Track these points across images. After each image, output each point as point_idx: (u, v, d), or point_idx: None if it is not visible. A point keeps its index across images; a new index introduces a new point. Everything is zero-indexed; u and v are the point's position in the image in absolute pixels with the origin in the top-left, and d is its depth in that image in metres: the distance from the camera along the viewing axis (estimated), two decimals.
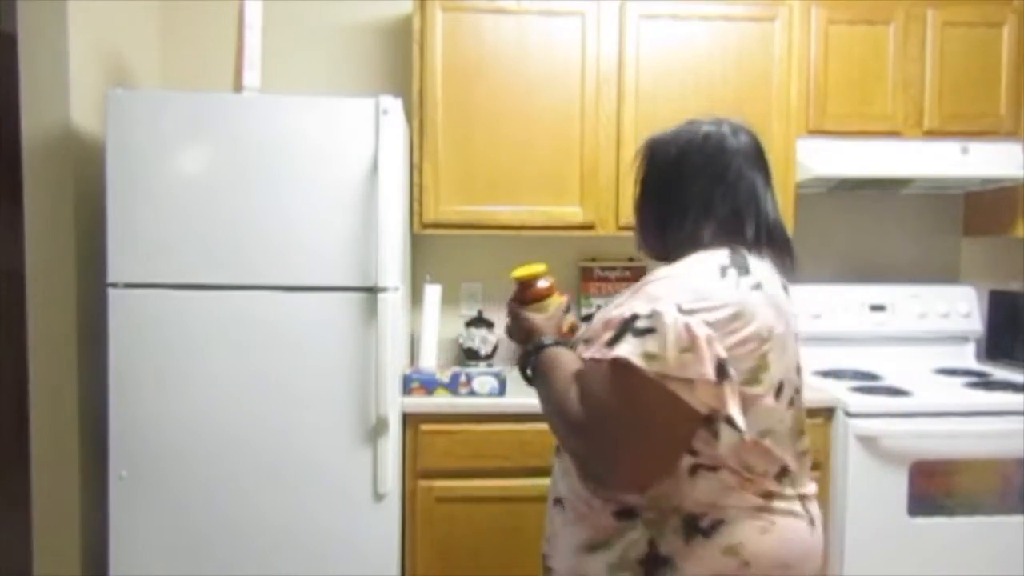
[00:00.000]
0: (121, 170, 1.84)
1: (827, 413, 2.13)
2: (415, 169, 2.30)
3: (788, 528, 1.04)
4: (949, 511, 2.11)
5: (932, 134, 2.39)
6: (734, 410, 0.96)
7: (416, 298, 2.50)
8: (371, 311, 1.89)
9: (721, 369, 0.95)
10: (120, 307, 1.86)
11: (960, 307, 2.62)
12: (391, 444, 1.93)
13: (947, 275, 2.77)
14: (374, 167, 1.87)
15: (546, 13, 2.28)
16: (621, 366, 0.96)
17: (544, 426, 1.14)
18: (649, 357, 0.94)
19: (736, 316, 0.98)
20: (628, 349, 0.96)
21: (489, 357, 2.47)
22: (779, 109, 2.34)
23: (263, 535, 1.90)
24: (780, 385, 1.03)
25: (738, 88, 2.32)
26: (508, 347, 2.50)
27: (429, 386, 2.12)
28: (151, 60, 2.46)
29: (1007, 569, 2.10)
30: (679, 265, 1.06)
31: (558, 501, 1.15)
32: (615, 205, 2.33)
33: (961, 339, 2.65)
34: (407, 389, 2.11)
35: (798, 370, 1.10)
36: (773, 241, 1.12)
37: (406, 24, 2.52)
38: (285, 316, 1.89)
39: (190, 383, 1.88)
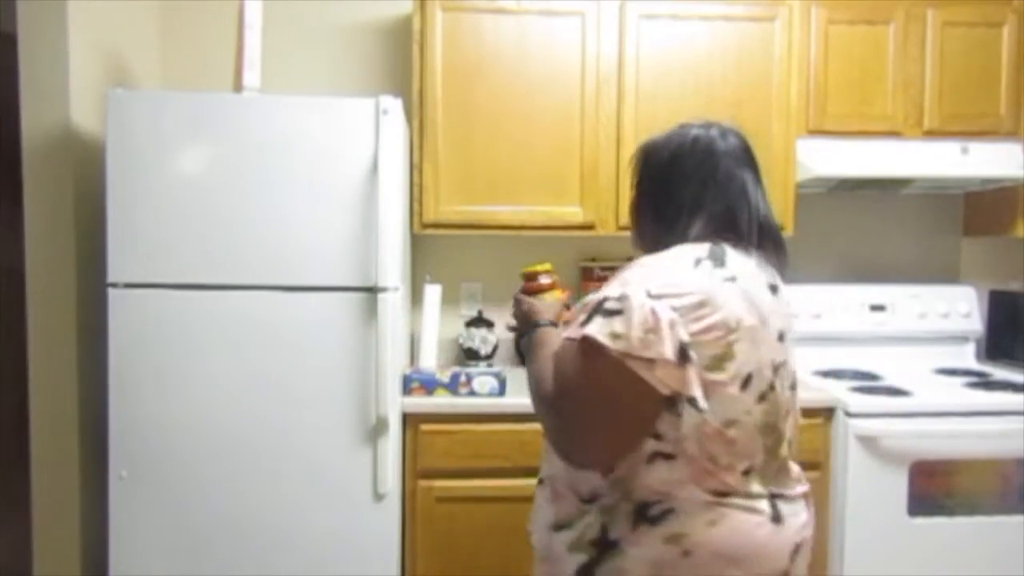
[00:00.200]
0: (121, 170, 1.85)
1: (827, 413, 2.13)
2: (415, 169, 2.30)
3: (740, 523, 1.05)
4: (949, 511, 2.11)
5: (932, 134, 2.39)
6: (696, 391, 1.00)
7: (416, 298, 2.50)
8: (371, 311, 1.89)
9: (683, 352, 1.00)
10: (120, 307, 1.86)
11: (960, 307, 2.62)
12: (391, 444, 1.93)
13: (947, 275, 2.77)
14: (374, 167, 1.87)
15: (546, 13, 2.28)
16: (588, 344, 1.02)
17: None
18: (614, 336, 1.00)
19: (702, 304, 1.02)
20: (595, 328, 1.01)
21: (489, 357, 2.47)
22: (779, 109, 2.34)
23: (263, 535, 1.91)
24: (748, 377, 1.05)
25: (738, 88, 2.33)
26: (508, 347, 2.50)
27: (429, 386, 2.12)
28: (151, 60, 2.46)
29: (1007, 569, 2.10)
30: (658, 255, 1.11)
31: (542, 481, 1.21)
32: (615, 205, 2.33)
33: (961, 339, 2.65)
34: (407, 389, 2.11)
35: (776, 368, 1.10)
36: (764, 237, 1.16)
37: (406, 24, 2.52)
38: (285, 316, 1.89)
39: (190, 383, 1.88)
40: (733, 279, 1.07)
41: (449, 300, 2.54)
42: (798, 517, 1.11)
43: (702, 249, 1.09)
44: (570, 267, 2.63)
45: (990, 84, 2.40)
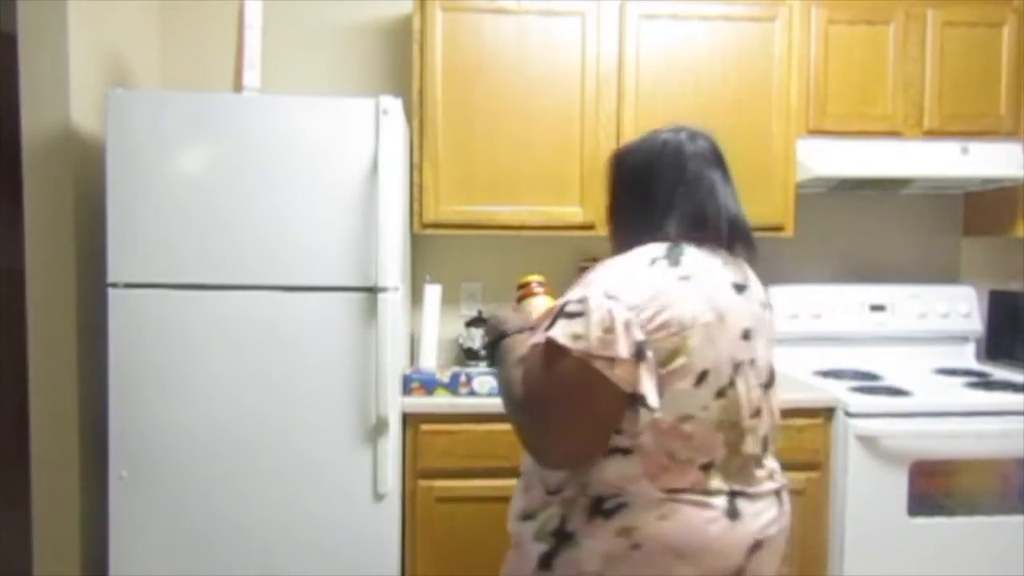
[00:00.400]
0: (121, 170, 1.85)
1: (827, 413, 2.13)
2: (415, 169, 2.30)
3: (691, 518, 1.07)
4: (949, 511, 2.11)
5: (932, 134, 2.39)
6: (647, 388, 1.03)
7: (416, 298, 2.49)
8: (371, 311, 1.89)
9: (639, 351, 1.03)
10: (120, 307, 1.86)
11: (960, 307, 2.62)
12: (391, 444, 1.93)
13: (947, 275, 2.77)
14: (374, 167, 1.87)
15: (546, 13, 2.28)
16: (552, 346, 1.06)
17: None
18: (575, 337, 1.04)
19: (654, 301, 1.06)
20: (558, 330, 1.06)
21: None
22: (779, 109, 2.34)
23: (263, 535, 1.91)
24: (703, 373, 1.07)
25: (738, 88, 2.33)
26: None
27: (429, 386, 2.12)
28: (151, 60, 2.46)
29: (1007, 569, 2.10)
30: (619, 257, 1.15)
31: (519, 473, 1.26)
32: None
33: (961, 339, 2.65)
34: (407, 389, 2.11)
35: (737, 366, 1.11)
36: (734, 236, 1.19)
37: (406, 24, 2.52)
38: (285, 316, 1.89)
39: (190, 383, 1.88)
40: (687, 278, 1.10)
41: (449, 300, 2.54)
42: (761, 515, 1.12)
43: (660, 249, 1.13)
44: (570, 267, 2.63)
45: (990, 84, 2.40)
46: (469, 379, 2.11)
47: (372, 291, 1.88)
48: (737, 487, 1.11)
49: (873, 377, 2.40)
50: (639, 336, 1.03)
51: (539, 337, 1.10)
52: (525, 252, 2.56)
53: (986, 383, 2.32)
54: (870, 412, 2.08)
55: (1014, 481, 2.11)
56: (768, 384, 1.18)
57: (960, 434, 2.09)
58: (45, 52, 1.91)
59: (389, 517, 1.94)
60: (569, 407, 1.06)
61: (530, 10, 2.27)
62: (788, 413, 2.11)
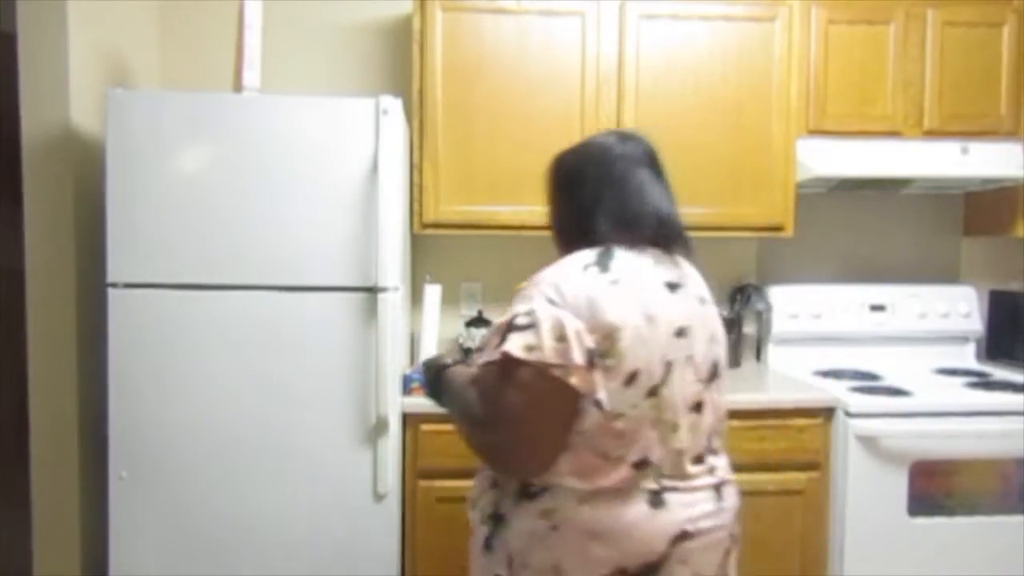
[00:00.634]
0: (121, 170, 1.84)
1: (827, 413, 2.13)
2: (415, 169, 2.30)
3: (607, 503, 1.12)
4: (949, 511, 2.11)
5: (932, 134, 2.39)
6: (602, 394, 1.10)
7: (416, 298, 2.49)
8: (371, 311, 1.89)
9: (590, 357, 1.09)
10: (120, 307, 1.86)
11: (960, 307, 2.62)
12: (391, 444, 1.93)
13: (947, 275, 2.77)
14: (374, 167, 1.87)
15: (546, 13, 2.27)
16: (509, 360, 1.10)
17: None
18: (530, 348, 1.09)
19: (588, 306, 1.11)
20: (512, 344, 1.10)
21: None
22: (779, 109, 2.34)
23: (263, 535, 1.90)
24: (633, 373, 1.11)
25: (738, 88, 2.33)
26: None
27: None
28: (151, 60, 2.46)
29: (1007, 569, 2.10)
30: (552, 266, 1.20)
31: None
32: None
33: (961, 339, 2.65)
34: (407, 389, 2.10)
35: (670, 364, 1.14)
36: (664, 232, 1.23)
37: (406, 24, 2.52)
38: (285, 316, 1.89)
39: (190, 383, 1.88)
40: (617, 282, 1.14)
41: (449, 300, 2.54)
42: (692, 507, 1.15)
43: (591, 255, 1.18)
44: None
45: (990, 84, 2.40)
46: None
47: (372, 291, 1.88)
48: (669, 483, 1.15)
49: (873, 377, 2.40)
50: (590, 344, 1.09)
51: (492, 355, 1.13)
52: (525, 252, 2.56)
53: (986, 383, 2.32)
54: (870, 412, 2.08)
55: (1014, 481, 2.11)
56: (711, 379, 1.21)
57: (960, 434, 2.08)
58: (45, 52, 1.91)
59: (389, 517, 1.94)
60: (532, 416, 1.10)
61: (530, 10, 2.27)
62: (788, 413, 2.11)
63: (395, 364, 1.95)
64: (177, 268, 1.87)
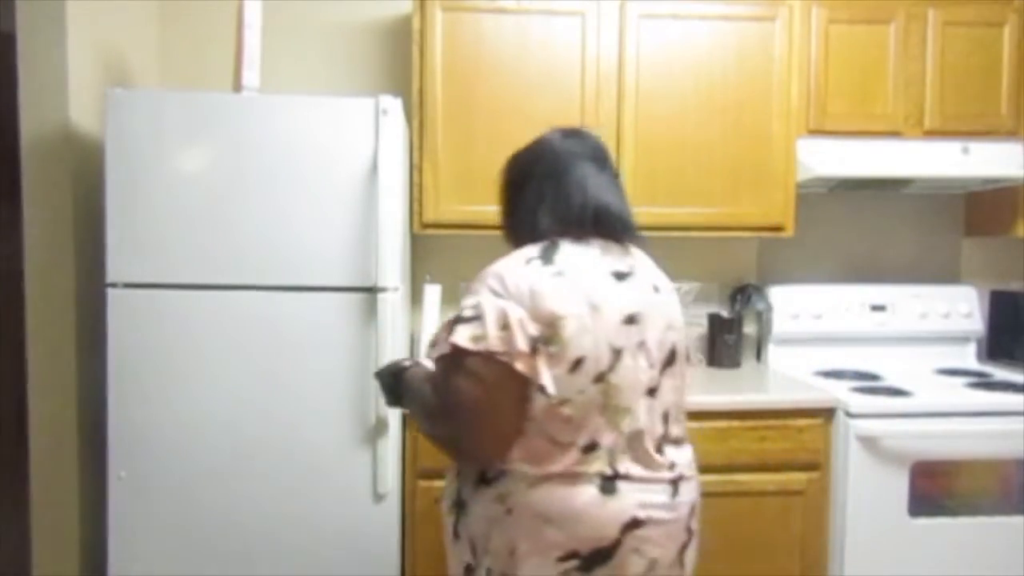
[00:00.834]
0: (120, 170, 1.84)
1: (827, 413, 2.13)
2: (415, 169, 2.30)
3: (559, 489, 1.15)
4: (950, 511, 2.10)
5: (933, 134, 2.39)
6: (545, 378, 1.13)
7: (416, 298, 2.49)
8: (371, 311, 1.88)
9: (534, 345, 1.13)
10: (120, 307, 1.86)
11: (961, 307, 2.62)
12: (391, 444, 1.93)
13: (948, 275, 2.77)
14: (374, 167, 1.86)
15: (546, 13, 2.27)
16: (458, 351, 1.14)
17: None
18: (476, 338, 1.13)
19: (530, 296, 1.15)
20: (459, 336, 1.14)
21: None
22: (779, 109, 2.34)
23: (263, 535, 1.90)
24: (578, 360, 1.14)
25: (738, 88, 2.32)
26: None
27: None
28: (150, 60, 2.46)
29: (1008, 570, 2.10)
30: (500, 261, 1.24)
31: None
32: None
33: (962, 339, 2.65)
34: None
35: (618, 351, 1.17)
36: (605, 223, 1.25)
37: (406, 24, 2.51)
38: (285, 316, 1.88)
39: (190, 383, 1.88)
40: (560, 273, 1.18)
41: (449, 300, 2.53)
42: (645, 495, 1.17)
43: (535, 250, 1.22)
44: None
45: (991, 84, 2.40)
46: None
47: (372, 291, 1.88)
48: (622, 470, 1.17)
49: (874, 377, 2.40)
50: (533, 332, 1.13)
51: (443, 348, 1.17)
52: None
53: (987, 383, 2.32)
54: (871, 412, 2.08)
55: (1015, 481, 2.11)
56: (667, 364, 1.23)
57: (961, 434, 2.08)
58: (44, 51, 1.90)
59: (389, 517, 1.94)
60: (484, 403, 1.13)
61: (530, 10, 2.27)
62: (789, 413, 2.11)
63: None
64: (177, 268, 1.86)
